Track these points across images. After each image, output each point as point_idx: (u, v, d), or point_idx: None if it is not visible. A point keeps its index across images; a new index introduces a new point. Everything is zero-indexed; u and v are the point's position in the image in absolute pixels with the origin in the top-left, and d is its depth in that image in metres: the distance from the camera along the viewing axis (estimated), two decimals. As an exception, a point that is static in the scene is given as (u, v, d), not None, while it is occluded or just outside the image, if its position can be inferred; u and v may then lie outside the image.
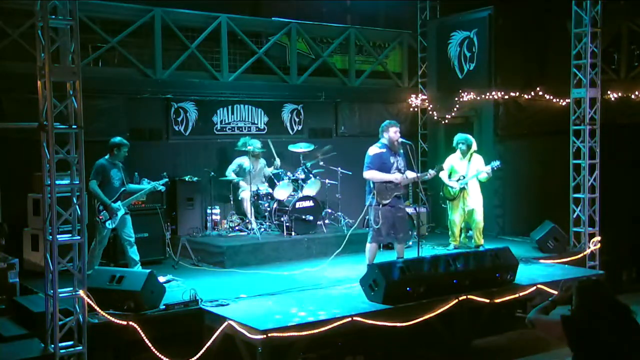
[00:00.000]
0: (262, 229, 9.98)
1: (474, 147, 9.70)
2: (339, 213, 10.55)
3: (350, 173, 10.40)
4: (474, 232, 9.75)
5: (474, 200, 9.62)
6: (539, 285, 7.85)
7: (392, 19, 13.54)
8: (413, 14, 12.94)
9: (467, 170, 9.60)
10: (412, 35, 13.12)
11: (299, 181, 10.21)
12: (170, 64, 10.53)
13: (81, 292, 6.15)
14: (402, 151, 8.18)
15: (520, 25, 11.53)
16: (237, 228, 10.13)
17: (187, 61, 10.77)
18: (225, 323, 6.38)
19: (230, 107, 11.11)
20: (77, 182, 6.20)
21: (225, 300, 7.00)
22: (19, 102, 8.87)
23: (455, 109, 11.87)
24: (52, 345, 6.05)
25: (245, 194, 10.23)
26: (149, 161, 9.90)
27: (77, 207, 6.18)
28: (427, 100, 12.73)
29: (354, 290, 7.41)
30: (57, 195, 6.02)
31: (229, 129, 11.09)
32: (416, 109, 12.97)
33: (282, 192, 9.99)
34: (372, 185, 7.96)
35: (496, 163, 9.43)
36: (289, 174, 10.26)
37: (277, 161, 10.38)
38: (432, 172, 8.34)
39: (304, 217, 9.84)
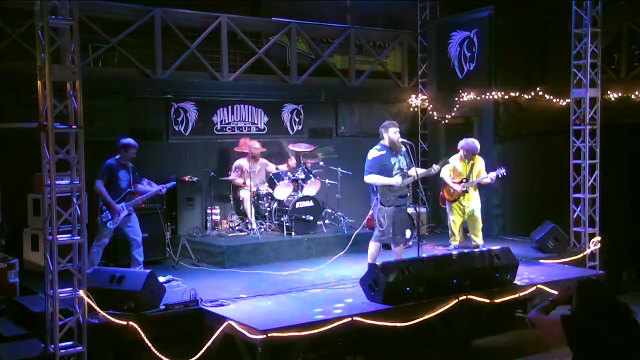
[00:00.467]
0: (262, 229, 9.98)
1: (477, 150, 9.68)
2: (339, 213, 10.54)
3: (350, 173, 10.40)
4: (474, 232, 9.73)
5: (473, 201, 9.62)
6: (539, 285, 7.85)
7: (392, 19, 13.53)
8: (413, 14, 12.95)
9: (469, 173, 9.58)
10: (412, 35, 13.12)
11: (299, 181, 10.21)
12: (170, 64, 10.53)
13: (81, 292, 6.15)
14: (404, 150, 8.16)
15: (520, 25, 11.53)
16: (237, 228, 10.13)
17: (187, 61, 10.77)
18: (225, 323, 6.38)
19: (230, 107, 11.11)
20: (77, 182, 6.20)
21: (225, 300, 7.00)
22: (19, 102, 8.87)
23: (455, 109, 11.87)
24: (52, 345, 6.05)
25: (245, 194, 10.23)
26: (149, 161, 9.89)
27: (77, 207, 6.18)
28: (427, 100, 12.73)
29: (354, 290, 7.41)
30: (57, 195, 6.02)
31: (229, 129, 11.08)
32: (416, 109, 12.97)
33: (282, 192, 9.99)
34: (375, 188, 7.97)
35: (502, 171, 9.40)
36: (289, 174, 10.26)
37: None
38: (436, 167, 8.30)
39: (304, 217, 9.85)
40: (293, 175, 10.24)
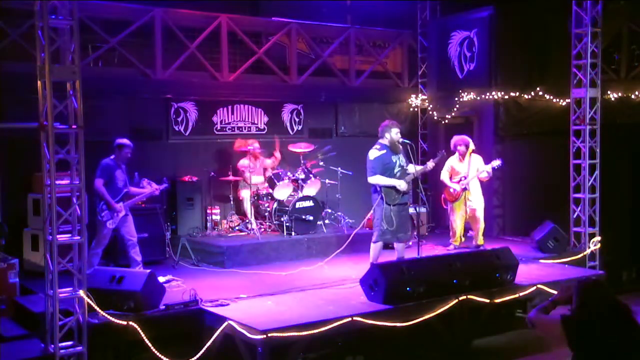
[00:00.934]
0: (262, 229, 9.98)
1: (472, 146, 9.70)
2: (339, 213, 10.55)
3: (350, 173, 10.40)
4: (475, 232, 9.75)
5: (476, 200, 9.63)
6: (539, 285, 7.85)
7: (392, 19, 13.52)
8: (413, 14, 12.94)
9: (467, 170, 9.61)
10: (412, 35, 13.11)
11: (299, 181, 10.21)
12: (170, 64, 10.52)
13: (81, 292, 6.15)
14: (401, 148, 8.20)
15: (521, 25, 11.53)
16: (237, 228, 10.13)
17: (187, 61, 10.77)
18: (225, 323, 6.38)
19: (230, 107, 11.11)
20: (77, 182, 6.20)
21: (225, 300, 7.00)
22: (19, 102, 8.87)
23: (455, 109, 11.87)
24: (52, 345, 6.05)
25: (245, 194, 10.24)
26: (149, 161, 9.90)
27: (77, 207, 6.18)
28: (427, 100, 12.73)
29: (354, 290, 7.41)
30: (57, 195, 6.02)
31: (229, 129, 11.08)
32: (416, 109, 12.97)
33: (282, 192, 9.99)
34: (378, 188, 7.98)
35: (497, 162, 9.45)
36: (289, 174, 10.26)
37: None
38: (431, 163, 8.32)
39: (304, 217, 9.85)
40: (293, 175, 10.24)
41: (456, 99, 11.75)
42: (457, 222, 9.78)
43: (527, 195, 11.41)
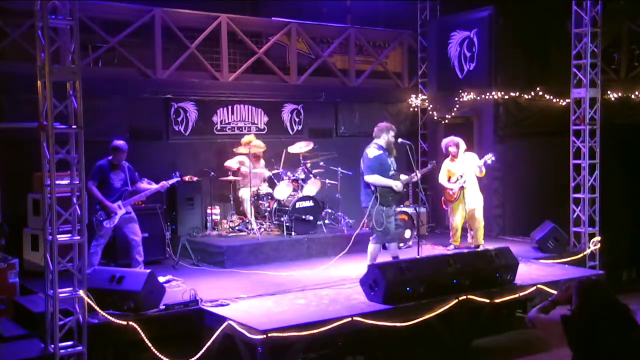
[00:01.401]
0: (262, 229, 9.98)
1: (463, 146, 9.69)
2: (339, 213, 10.55)
3: (350, 173, 10.40)
4: (474, 231, 9.75)
5: (474, 200, 9.62)
6: (539, 285, 7.85)
7: (392, 19, 13.54)
8: (413, 14, 12.94)
9: (463, 170, 9.60)
10: (412, 35, 13.12)
11: (299, 181, 10.21)
12: (170, 64, 10.53)
13: (81, 292, 6.15)
14: (395, 152, 8.28)
15: (521, 25, 11.53)
16: (237, 228, 10.13)
17: (187, 61, 10.77)
18: (225, 323, 6.38)
19: (230, 107, 11.11)
20: (77, 182, 6.20)
21: (225, 300, 7.00)
22: (19, 102, 8.87)
23: (455, 109, 11.87)
24: (52, 345, 6.05)
25: (245, 194, 10.24)
26: (149, 161, 9.90)
27: (77, 207, 6.18)
28: (427, 100, 12.73)
29: (354, 290, 7.41)
30: (57, 195, 6.02)
31: (229, 129, 11.09)
32: (416, 109, 12.97)
33: (282, 192, 9.99)
34: (374, 189, 7.95)
35: (490, 156, 9.42)
36: (289, 174, 10.26)
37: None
38: (418, 174, 8.42)
39: (304, 217, 9.84)
40: (293, 175, 10.24)
41: (456, 99, 11.75)
42: (457, 222, 9.78)
43: (527, 195, 11.41)
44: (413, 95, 12.95)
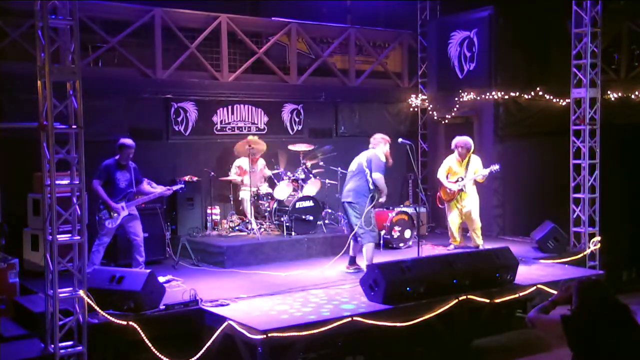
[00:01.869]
0: (262, 229, 9.98)
1: (472, 148, 9.71)
2: (339, 213, 10.53)
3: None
4: (473, 232, 9.74)
5: (470, 202, 9.62)
6: (539, 285, 7.85)
7: (392, 19, 13.54)
8: (413, 14, 12.94)
9: (465, 172, 9.60)
10: (412, 35, 13.12)
11: (299, 181, 10.21)
12: (170, 64, 10.53)
13: (81, 292, 6.15)
14: None
15: (521, 25, 11.53)
16: (237, 228, 10.13)
17: (187, 61, 10.77)
18: (225, 323, 6.38)
19: (230, 107, 11.11)
20: (77, 182, 6.20)
21: (225, 300, 7.00)
22: (19, 102, 8.87)
23: (455, 109, 11.87)
24: (52, 346, 6.05)
25: (245, 194, 10.24)
26: (149, 161, 9.88)
27: (77, 207, 6.19)
28: (427, 100, 12.73)
29: (354, 290, 7.41)
30: (57, 195, 6.02)
31: (229, 129, 11.09)
32: (416, 109, 12.97)
33: (282, 192, 9.99)
34: (373, 188, 8.25)
35: (496, 167, 9.45)
36: (289, 174, 10.26)
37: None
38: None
39: (304, 217, 9.84)
40: (293, 175, 10.24)
41: (456, 99, 11.75)
42: (454, 221, 9.78)
43: (527, 195, 11.41)
44: (413, 95, 12.95)
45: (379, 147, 8.45)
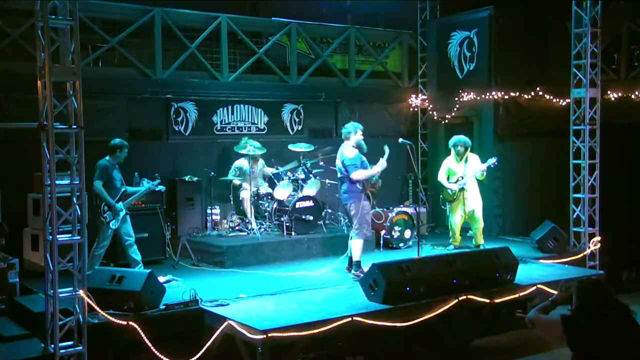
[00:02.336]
0: (262, 229, 9.98)
1: (469, 147, 9.71)
2: (339, 213, 10.54)
3: (350, 173, 10.38)
4: (475, 232, 9.75)
5: (474, 201, 9.63)
6: (539, 285, 7.85)
7: (392, 19, 13.53)
8: (413, 14, 12.94)
9: (464, 170, 9.61)
10: (412, 35, 13.12)
11: (299, 181, 10.21)
12: (170, 64, 10.53)
13: (81, 292, 6.15)
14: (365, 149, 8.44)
15: (520, 25, 11.53)
16: (237, 228, 10.13)
17: (187, 61, 10.77)
18: (225, 323, 6.38)
19: (230, 107, 11.11)
20: (77, 182, 6.20)
21: (225, 300, 7.00)
22: (19, 102, 8.87)
23: (455, 109, 11.87)
24: (52, 345, 6.05)
25: (245, 194, 10.23)
26: (149, 161, 9.90)
27: (77, 207, 6.18)
28: (427, 100, 12.73)
29: (354, 290, 7.41)
30: (57, 195, 6.02)
31: (229, 129, 11.09)
32: (416, 109, 12.97)
33: (282, 192, 9.98)
34: (359, 185, 8.18)
35: (492, 160, 9.46)
36: (289, 174, 10.26)
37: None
38: (383, 161, 8.32)
39: (304, 217, 9.84)
40: (293, 175, 10.23)
41: (456, 99, 11.75)
42: (456, 222, 9.78)
43: (527, 195, 11.41)
44: (413, 95, 12.95)
45: (351, 138, 8.30)
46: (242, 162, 10.36)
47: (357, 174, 8.13)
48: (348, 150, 8.25)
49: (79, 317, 6.13)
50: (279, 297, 7.31)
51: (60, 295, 6.06)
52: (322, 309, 6.72)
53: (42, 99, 6.03)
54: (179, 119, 10.62)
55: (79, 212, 6.20)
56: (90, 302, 6.20)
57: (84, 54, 9.18)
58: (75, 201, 6.18)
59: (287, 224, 9.78)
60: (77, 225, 6.18)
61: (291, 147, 10.62)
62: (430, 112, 12.58)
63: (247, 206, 10.17)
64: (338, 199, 10.53)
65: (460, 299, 7.19)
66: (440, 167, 9.97)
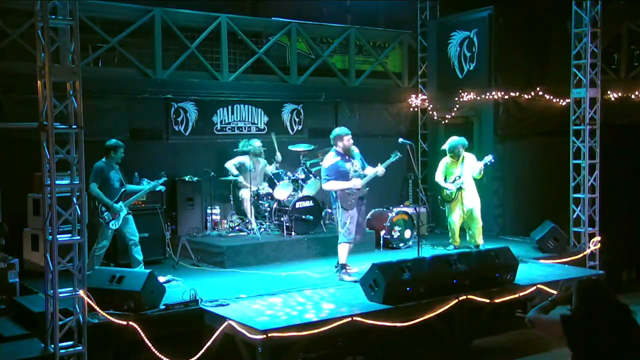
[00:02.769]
0: (262, 229, 9.98)
1: (465, 147, 9.70)
2: (339, 213, 10.53)
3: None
4: (473, 231, 9.74)
5: (472, 200, 9.62)
6: (539, 285, 7.85)
7: (392, 19, 13.54)
8: (413, 14, 12.94)
9: (461, 170, 9.60)
10: (412, 35, 13.11)
11: (299, 181, 10.21)
12: (170, 64, 10.53)
13: (81, 292, 6.15)
14: (356, 152, 8.33)
15: (521, 25, 11.53)
16: (237, 228, 10.13)
17: (187, 61, 10.78)
18: (225, 323, 6.38)
19: (230, 107, 11.11)
20: (77, 182, 6.20)
21: (225, 300, 7.00)
22: (19, 102, 8.87)
23: (455, 109, 11.87)
24: (52, 345, 6.05)
25: (245, 193, 10.23)
26: (149, 161, 9.90)
27: (77, 207, 6.18)
28: (427, 100, 12.73)
29: (354, 290, 7.41)
30: (57, 195, 6.02)
31: (229, 129, 11.09)
32: (416, 109, 12.97)
33: (282, 192, 9.98)
34: (335, 194, 8.14)
35: (489, 158, 9.45)
36: (289, 174, 10.26)
37: (278, 155, 10.34)
38: (380, 169, 8.20)
39: (304, 217, 9.84)
40: (293, 175, 10.23)
41: (456, 99, 11.75)
42: (455, 222, 9.78)
43: (527, 195, 11.42)
44: (413, 95, 12.95)
45: (338, 144, 8.22)
46: (244, 159, 10.34)
47: (328, 185, 8.15)
48: (327, 158, 8.25)
49: (79, 317, 6.13)
50: (279, 297, 7.31)
51: (60, 295, 6.06)
52: (322, 309, 6.71)
53: (42, 99, 6.04)
54: (179, 119, 10.62)
55: (79, 212, 6.20)
56: (90, 302, 6.20)
57: (84, 54, 9.17)
58: (75, 201, 6.18)
59: (287, 224, 9.78)
60: (77, 225, 6.18)
61: (291, 147, 10.63)
62: (430, 112, 12.58)
63: (247, 206, 10.17)
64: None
65: (460, 299, 7.19)
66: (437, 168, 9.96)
